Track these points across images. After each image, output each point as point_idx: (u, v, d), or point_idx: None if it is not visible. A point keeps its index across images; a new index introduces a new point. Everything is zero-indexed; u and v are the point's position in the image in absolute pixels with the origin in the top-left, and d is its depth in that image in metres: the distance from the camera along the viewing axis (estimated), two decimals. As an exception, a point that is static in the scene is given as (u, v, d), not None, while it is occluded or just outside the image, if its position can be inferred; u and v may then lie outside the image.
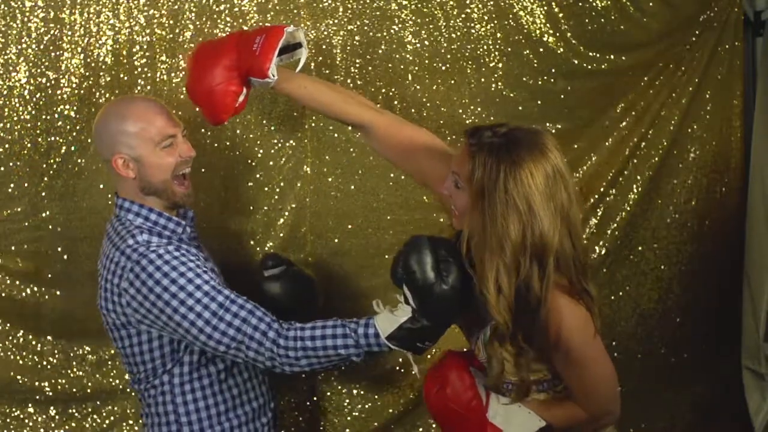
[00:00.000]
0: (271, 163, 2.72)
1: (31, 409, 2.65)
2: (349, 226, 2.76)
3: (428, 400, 2.08)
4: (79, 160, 2.61)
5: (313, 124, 2.73)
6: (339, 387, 2.83)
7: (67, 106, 2.59)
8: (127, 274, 2.08)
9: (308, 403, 2.82)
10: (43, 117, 2.58)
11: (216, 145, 2.66)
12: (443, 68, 2.80)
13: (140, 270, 2.06)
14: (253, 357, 2.04)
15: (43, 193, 2.61)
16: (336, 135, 2.74)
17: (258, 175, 2.72)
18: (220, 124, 2.38)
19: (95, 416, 2.68)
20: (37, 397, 2.65)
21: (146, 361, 2.17)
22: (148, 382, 2.21)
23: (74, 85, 2.58)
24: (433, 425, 2.87)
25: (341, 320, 2.06)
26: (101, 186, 2.62)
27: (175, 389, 2.18)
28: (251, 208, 2.73)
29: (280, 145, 2.72)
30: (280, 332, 2.02)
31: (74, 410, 2.67)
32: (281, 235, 2.74)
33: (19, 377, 2.64)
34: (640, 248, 3.02)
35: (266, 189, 2.73)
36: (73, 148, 2.60)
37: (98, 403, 2.68)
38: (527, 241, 1.85)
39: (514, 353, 1.95)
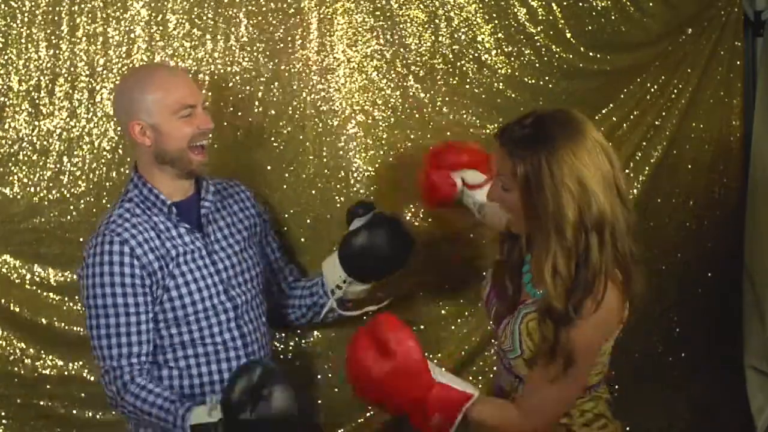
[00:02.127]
0: (270, 167, 2.71)
1: (30, 413, 2.64)
2: (352, 231, 2.75)
3: (367, 371, 1.94)
4: (78, 162, 2.60)
5: (315, 127, 2.72)
6: (341, 392, 2.82)
7: (67, 108, 2.57)
8: (90, 241, 2.21)
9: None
10: (43, 117, 2.56)
11: (217, 148, 2.64)
12: (444, 69, 2.80)
13: (90, 246, 2.19)
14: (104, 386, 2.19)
15: (42, 195, 2.59)
16: (338, 139, 2.73)
17: (259, 179, 2.71)
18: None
19: (95, 423, 2.66)
20: (36, 402, 2.63)
21: None
22: None
23: (74, 86, 2.57)
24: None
25: (180, 395, 2.16)
26: (100, 189, 2.61)
27: None
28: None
29: (281, 149, 2.71)
30: (119, 391, 2.15)
31: (74, 414, 2.66)
32: (284, 238, 2.72)
33: (19, 381, 2.62)
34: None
35: (267, 191, 2.72)
36: (76, 150, 2.59)
37: (97, 408, 2.66)
38: (585, 218, 1.84)
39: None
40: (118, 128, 2.59)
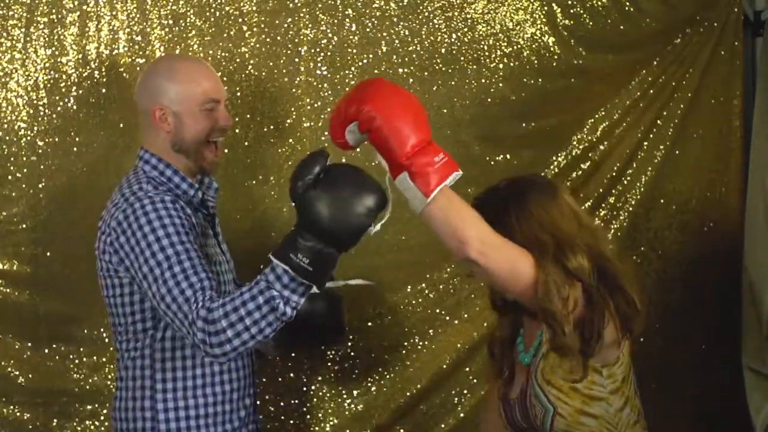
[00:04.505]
0: (270, 162, 2.72)
1: (28, 412, 2.63)
2: (349, 225, 2.75)
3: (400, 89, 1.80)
4: (77, 162, 2.60)
5: (313, 124, 2.72)
6: (339, 388, 2.83)
7: (65, 107, 2.57)
8: (119, 213, 2.07)
9: (308, 405, 2.82)
10: (41, 118, 2.56)
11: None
12: (443, 69, 2.80)
13: (131, 212, 2.05)
14: (184, 335, 1.96)
15: (41, 195, 2.59)
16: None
17: (258, 174, 2.72)
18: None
19: (93, 419, 2.66)
20: (35, 399, 2.63)
21: (127, 314, 2.13)
22: (128, 342, 2.16)
23: (72, 86, 2.57)
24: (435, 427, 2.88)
25: None
26: (100, 187, 2.60)
27: (156, 354, 2.13)
28: (250, 206, 2.72)
29: (279, 144, 2.71)
30: (206, 318, 1.89)
31: (72, 413, 2.65)
32: (281, 233, 2.72)
33: (16, 380, 2.62)
34: (642, 248, 3.02)
35: (265, 188, 2.73)
36: (75, 149, 2.59)
37: (96, 405, 2.66)
38: (569, 268, 1.84)
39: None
40: (119, 127, 2.60)
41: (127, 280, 2.10)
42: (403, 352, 2.84)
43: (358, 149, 1.91)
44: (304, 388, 2.80)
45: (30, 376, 2.62)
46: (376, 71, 2.75)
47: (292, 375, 2.78)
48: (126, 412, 2.17)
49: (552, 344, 1.89)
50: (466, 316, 2.88)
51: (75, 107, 2.58)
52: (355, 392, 2.83)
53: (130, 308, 2.13)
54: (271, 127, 2.70)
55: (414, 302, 2.84)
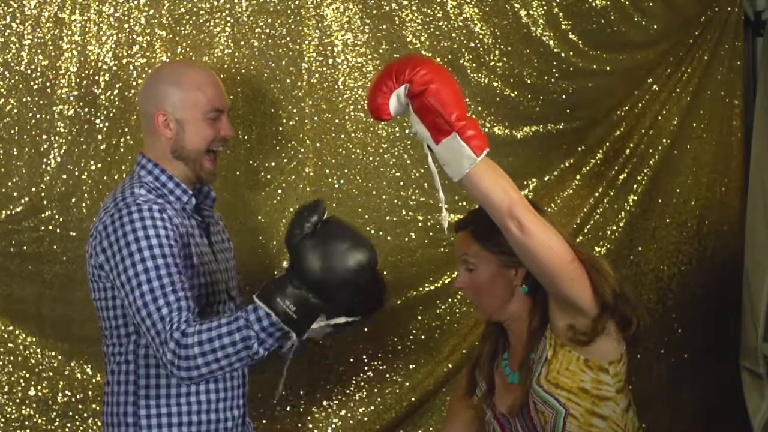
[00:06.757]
0: (273, 164, 2.72)
1: (31, 411, 2.64)
2: (351, 228, 2.76)
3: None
4: (79, 161, 2.60)
5: (315, 126, 2.73)
6: (340, 389, 2.83)
7: (67, 106, 2.58)
8: (107, 218, 2.06)
9: (309, 407, 2.82)
10: (43, 117, 2.57)
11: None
12: (444, 68, 2.81)
13: (118, 217, 2.04)
14: (154, 351, 1.95)
15: (43, 194, 2.60)
16: (337, 136, 2.74)
17: (260, 177, 2.72)
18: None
19: (95, 418, 2.67)
20: (37, 398, 2.64)
21: (111, 317, 2.12)
22: (114, 346, 2.15)
23: (74, 85, 2.57)
24: (433, 427, 2.88)
25: None
26: (101, 187, 2.61)
27: (140, 360, 2.11)
28: (253, 209, 2.73)
29: (281, 146, 2.72)
30: (179, 341, 1.89)
31: (74, 412, 2.66)
32: (283, 236, 2.72)
33: (18, 378, 2.63)
34: (640, 248, 3.02)
35: (268, 190, 2.73)
36: (75, 149, 2.59)
37: (98, 405, 2.68)
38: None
39: None
40: (120, 128, 2.61)
41: (110, 284, 2.09)
42: (405, 354, 2.85)
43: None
44: (306, 390, 2.81)
45: (32, 375, 2.64)
46: (376, 71, 2.76)
47: (293, 376, 2.78)
48: (111, 417, 2.15)
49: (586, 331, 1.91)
50: (467, 318, 2.89)
51: (76, 107, 2.59)
52: (357, 395, 2.84)
53: (114, 312, 2.12)
54: (273, 128, 2.71)
55: (415, 304, 2.85)
